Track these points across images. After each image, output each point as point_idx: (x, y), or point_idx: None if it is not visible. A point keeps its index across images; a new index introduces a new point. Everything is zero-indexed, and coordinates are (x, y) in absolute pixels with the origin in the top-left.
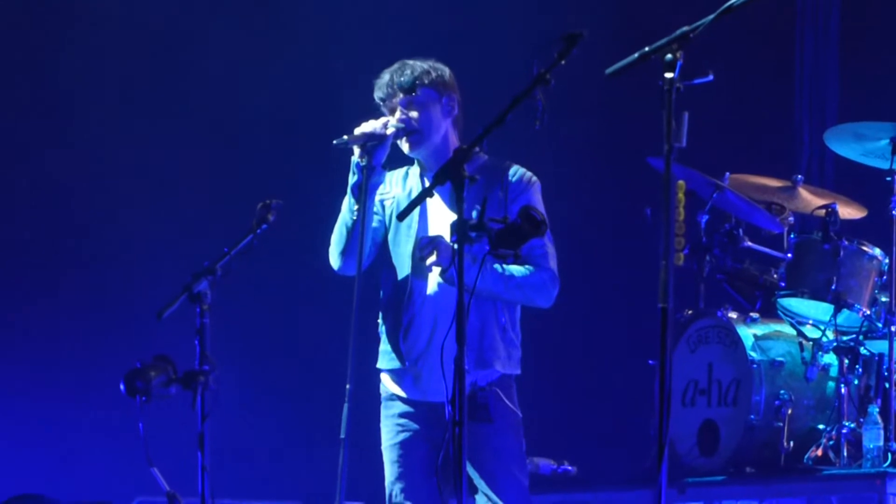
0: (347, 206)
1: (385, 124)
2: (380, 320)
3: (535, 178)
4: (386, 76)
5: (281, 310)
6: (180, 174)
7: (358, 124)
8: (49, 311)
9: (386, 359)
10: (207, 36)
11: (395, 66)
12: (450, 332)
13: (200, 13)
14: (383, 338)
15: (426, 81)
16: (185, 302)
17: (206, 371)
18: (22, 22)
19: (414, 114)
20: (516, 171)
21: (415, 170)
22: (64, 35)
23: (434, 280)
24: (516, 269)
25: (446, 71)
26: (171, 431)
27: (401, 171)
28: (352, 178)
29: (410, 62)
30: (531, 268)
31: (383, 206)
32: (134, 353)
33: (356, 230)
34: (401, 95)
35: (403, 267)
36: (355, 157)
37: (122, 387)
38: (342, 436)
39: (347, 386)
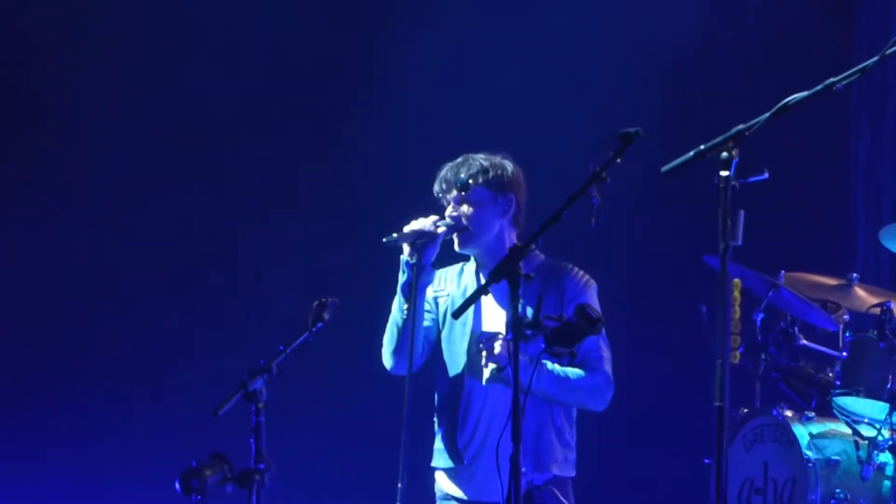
0: (397, 306)
1: (435, 222)
2: (435, 419)
3: (592, 281)
4: (444, 170)
5: (333, 408)
6: (235, 271)
7: (408, 221)
8: (105, 408)
9: (441, 457)
10: (258, 129)
11: (459, 160)
12: (505, 430)
13: (250, 107)
14: (438, 437)
15: (480, 180)
16: (240, 400)
17: (261, 469)
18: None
19: (466, 211)
20: (573, 273)
21: (470, 266)
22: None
23: (488, 377)
24: (571, 372)
25: (508, 170)
26: None
27: (455, 268)
28: (401, 277)
29: (473, 158)
30: (586, 371)
31: (437, 304)
32: (189, 451)
33: (406, 329)
34: (455, 192)
35: (458, 365)
36: (405, 256)
37: (177, 486)
38: None
39: (399, 485)
